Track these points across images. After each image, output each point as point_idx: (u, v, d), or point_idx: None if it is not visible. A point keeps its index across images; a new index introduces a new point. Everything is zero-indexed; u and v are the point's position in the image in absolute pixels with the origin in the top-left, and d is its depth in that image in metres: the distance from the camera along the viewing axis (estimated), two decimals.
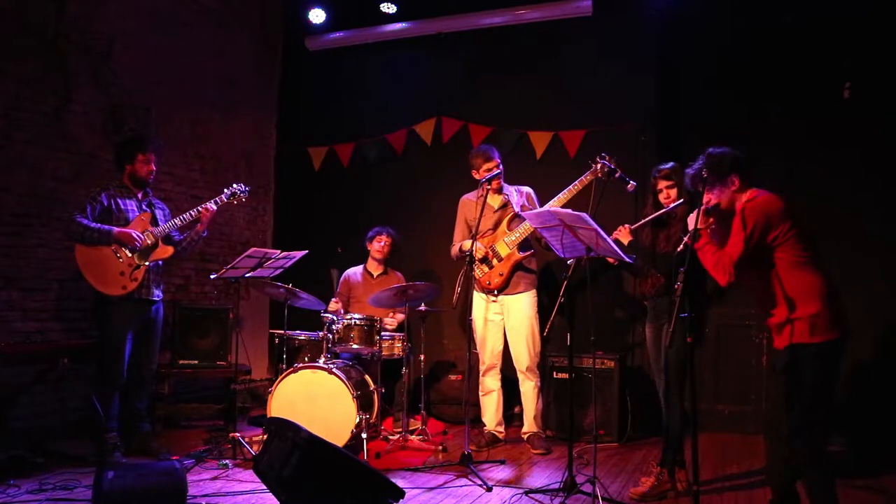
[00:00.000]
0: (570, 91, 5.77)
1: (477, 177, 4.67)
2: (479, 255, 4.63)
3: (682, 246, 3.18)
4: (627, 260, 3.57)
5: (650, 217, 3.83)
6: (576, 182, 4.33)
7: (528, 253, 4.66)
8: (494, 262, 4.65)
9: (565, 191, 4.38)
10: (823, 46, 5.11)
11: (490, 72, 6.09)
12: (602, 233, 3.33)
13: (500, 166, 4.65)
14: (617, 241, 3.74)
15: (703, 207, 3.07)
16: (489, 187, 4.51)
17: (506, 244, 4.63)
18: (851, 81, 5.02)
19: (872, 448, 4.54)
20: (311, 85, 6.83)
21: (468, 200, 4.83)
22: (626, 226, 3.92)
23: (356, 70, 6.64)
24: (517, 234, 4.60)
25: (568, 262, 3.69)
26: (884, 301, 4.81)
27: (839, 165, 5.01)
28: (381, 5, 6.30)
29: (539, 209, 3.91)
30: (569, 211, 3.43)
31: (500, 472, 4.12)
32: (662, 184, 3.81)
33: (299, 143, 6.77)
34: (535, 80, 5.90)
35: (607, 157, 4.21)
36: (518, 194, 4.75)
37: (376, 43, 6.47)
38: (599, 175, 4.22)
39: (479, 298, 4.75)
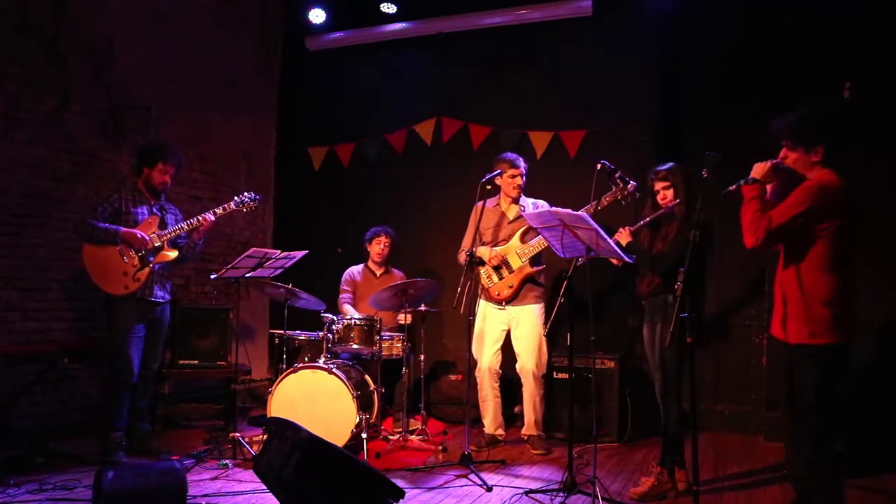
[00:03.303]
0: (570, 91, 5.76)
1: (498, 182, 4.64)
2: (493, 263, 4.62)
3: (732, 188, 2.94)
4: (628, 260, 3.58)
5: (649, 218, 3.84)
6: (606, 196, 4.10)
7: (539, 268, 4.63)
8: (505, 273, 4.64)
9: (591, 205, 4.15)
10: (823, 46, 5.10)
11: (490, 72, 6.08)
12: (602, 233, 3.33)
13: (524, 177, 4.65)
14: (617, 243, 3.74)
15: (775, 161, 2.95)
16: (512, 195, 4.62)
17: (518, 256, 4.61)
18: (851, 81, 5.02)
19: (872, 448, 4.53)
20: (311, 85, 6.82)
21: (486, 208, 4.72)
22: (627, 228, 3.92)
23: (356, 70, 6.64)
24: (530, 248, 4.56)
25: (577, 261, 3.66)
26: (883, 300, 4.80)
27: (839, 165, 4.98)
28: (381, 5, 6.29)
29: (540, 210, 3.91)
30: (569, 211, 3.43)
31: (500, 473, 4.11)
32: (659, 185, 3.82)
33: (299, 143, 6.76)
34: (535, 80, 5.89)
35: (608, 160, 4.18)
36: (534, 207, 4.73)
37: (376, 43, 6.46)
38: (621, 196, 4.10)
39: (485, 307, 4.73)
